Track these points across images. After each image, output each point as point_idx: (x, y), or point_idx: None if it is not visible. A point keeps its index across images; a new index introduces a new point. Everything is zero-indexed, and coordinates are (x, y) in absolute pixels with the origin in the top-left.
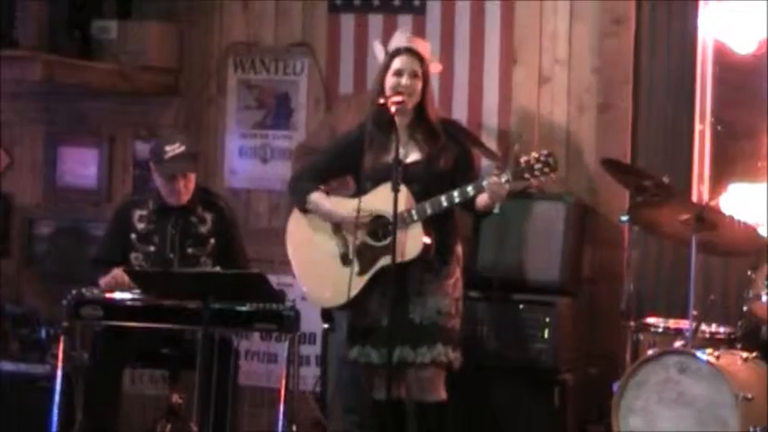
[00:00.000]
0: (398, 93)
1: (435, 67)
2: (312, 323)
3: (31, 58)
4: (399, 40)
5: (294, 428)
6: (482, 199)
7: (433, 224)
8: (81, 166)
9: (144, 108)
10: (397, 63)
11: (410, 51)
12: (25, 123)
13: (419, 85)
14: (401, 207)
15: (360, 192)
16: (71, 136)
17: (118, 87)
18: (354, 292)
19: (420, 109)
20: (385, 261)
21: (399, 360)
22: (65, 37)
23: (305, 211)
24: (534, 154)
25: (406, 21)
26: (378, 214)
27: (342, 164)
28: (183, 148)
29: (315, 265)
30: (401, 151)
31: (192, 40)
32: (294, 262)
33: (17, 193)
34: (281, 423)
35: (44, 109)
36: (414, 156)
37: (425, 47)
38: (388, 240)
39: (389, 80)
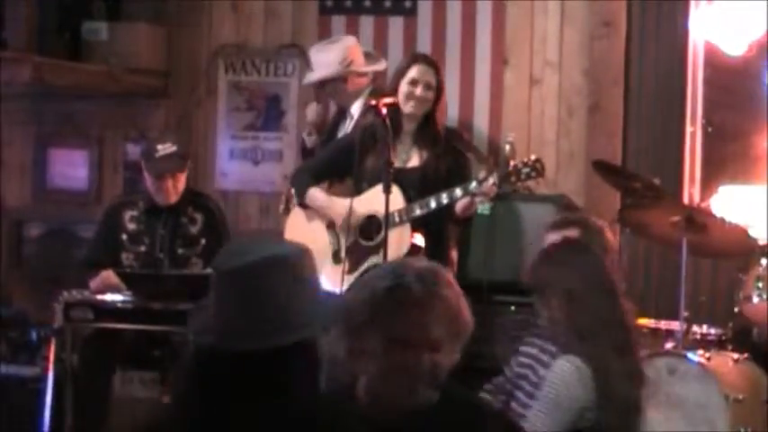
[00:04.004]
0: (411, 100)
1: (354, 66)
2: None
3: (21, 59)
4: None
5: None
6: (460, 205)
7: (425, 229)
8: (70, 167)
9: (134, 110)
10: (413, 72)
11: (427, 60)
12: (15, 125)
13: (432, 95)
14: (393, 208)
15: (356, 192)
16: (61, 138)
17: (107, 89)
18: (341, 290)
19: (428, 117)
20: (373, 260)
21: None
22: (54, 38)
23: (303, 205)
24: (524, 159)
25: (397, 22)
26: (369, 214)
27: (340, 166)
28: (174, 148)
29: None
30: (402, 156)
31: (181, 41)
32: None
33: (6, 194)
34: None
35: (34, 110)
36: (413, 162)
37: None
38: (378, 240)
39: (403, 87)
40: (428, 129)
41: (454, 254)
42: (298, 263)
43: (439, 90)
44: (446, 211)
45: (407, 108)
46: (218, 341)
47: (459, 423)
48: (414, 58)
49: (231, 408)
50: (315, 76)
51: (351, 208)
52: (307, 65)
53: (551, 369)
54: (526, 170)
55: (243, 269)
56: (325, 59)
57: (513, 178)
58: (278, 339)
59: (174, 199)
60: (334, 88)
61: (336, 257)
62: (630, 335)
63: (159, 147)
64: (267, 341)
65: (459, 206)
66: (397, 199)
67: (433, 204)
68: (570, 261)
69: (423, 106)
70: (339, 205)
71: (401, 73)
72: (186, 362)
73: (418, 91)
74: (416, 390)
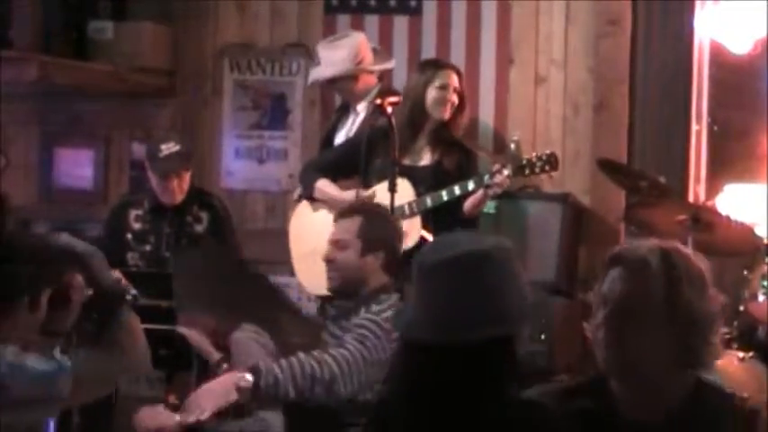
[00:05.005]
0: (442, 105)
1: (364, 64)
2: None
3: (27, 58)
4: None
5: None
6: (469, 202)
7: (436, 226)
8: (76, 167)
9: (139, 109)
10: (442, 77)
11: (453, 66)
12: (20, 124)
13: (457, 99)
14: (404, 201)
15: (366, 187)
16: (66, 137)
17: (113, 88)
18: None
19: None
20: None
21: None
22: (60, 38)
23: (312, 199)
24: (536, 153)
25: (401, 21)
26: None
27: (348, 165)
28: (178, 147)
29: (311, 254)
30: (414, 156)
31: (187, 40)
32: (292, 251)
33: (12, 194)
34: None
35: (39, 110)
36: (425, 160)
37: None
38: None
39: (433, 92)
40: (445, 130)
41: None
42: (504, 256)
43: (461, 96)
44: (454, 209)
45: (438, 113)
46: (428, 334)
47: (713, 413)
48: (438, 63)
49: (447, 404)
50: (327, 72)
51: (358, 194)
52: (313, 60)
53: None
54: (540, 163)
55: (452, 261)
56: (336, 56)
57: (527, 171)
58: (488, 332)
59: (179, 198)
60: (344, 86)
61: None
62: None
63: (163, 146)
64: (476, 334)
65: (467, 204)
66: (407, 192)
67: (445, 197)
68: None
69: (451, 110)
70: (349, 195)
71: (429, 78)
72: (398, 356)
73: (449, 95)
74: (670, 373)
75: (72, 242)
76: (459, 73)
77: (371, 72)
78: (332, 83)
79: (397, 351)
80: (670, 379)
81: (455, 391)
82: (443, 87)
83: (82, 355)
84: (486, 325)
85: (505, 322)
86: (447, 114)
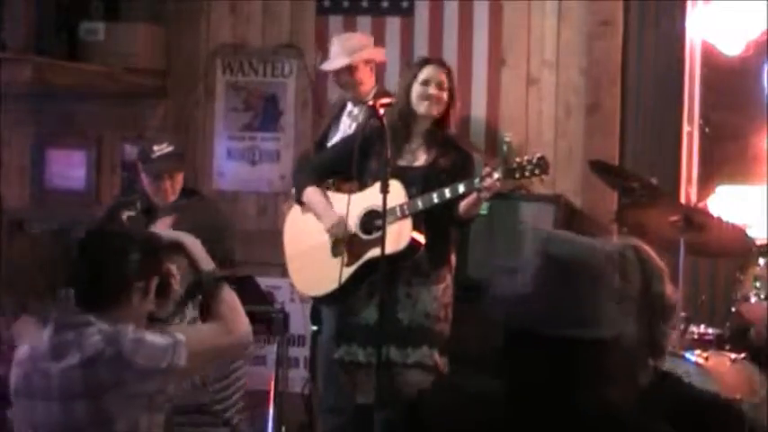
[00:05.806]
0: (426, 100)
1: (379, 54)
2: (300, 325)
3: (19, 60)
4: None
5: (283, 430)
6: (464, 204)
7: (427, 228)
8: (69, 168)
9: (132, 110)
10: (424, 73)
11: (439, 62)
12: (13, 125)
13: (445, 95)
14: (395, 203)
15: (361, 189)
16: (59, 138)
17: (106, 89)
18: (336, 284)
19: (439, 119)
20: (372, 253)
21: (385, 360)
22: (53, 39)
23: (301, 203)
24: (527, 156)
25: (393, 22)
26: (370, 209)
27: (343, 165)
28: (170, 148)
29: (304, 255)
30: (409, 156)
31: (179, 41)
32: (287, 251)
33: (5, 195)
34: (270, 425)
35: (31, 111)
36: (419, 161)
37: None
38: (377, 234)
39: (416, 88)
40: (438, 131)
41: (453, 257)
42: (614, 261)
43: (451, 93)
44: (448, 211)
45: (421, 108)
46: (552, 327)
47: (673, 401)
48: (424, 60)
49: (550, 397)
50: (365, 54)
51: (344, 219)
52: (317, 58)
53: None
54: (530, 167)
55: (587, 258)
56: (355, 42)
57: (517, 174)
58: (606, 330)
59: (171, 199)
60: (360, 77)
61: (335, 251)
62: None
63: (155, 147)
64: (601, 332)
65: (462, 207)
66: (399, 194)
67: (435, 199)
68: None
69: (437, 106)
70: (338, 203)
71: (413, 76)
72: (510, 345)
73: (431, 90)
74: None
75: (172, 231)
76: (446, 69)
77: (382, 58)
78: (352, 71)
79: (508, 340)
80: (637, 367)
81: (561, 385)
82: (425, 83)
83: (192, 330)
84: (606, 323)
85: (618, 322)
86: (433, 110)
